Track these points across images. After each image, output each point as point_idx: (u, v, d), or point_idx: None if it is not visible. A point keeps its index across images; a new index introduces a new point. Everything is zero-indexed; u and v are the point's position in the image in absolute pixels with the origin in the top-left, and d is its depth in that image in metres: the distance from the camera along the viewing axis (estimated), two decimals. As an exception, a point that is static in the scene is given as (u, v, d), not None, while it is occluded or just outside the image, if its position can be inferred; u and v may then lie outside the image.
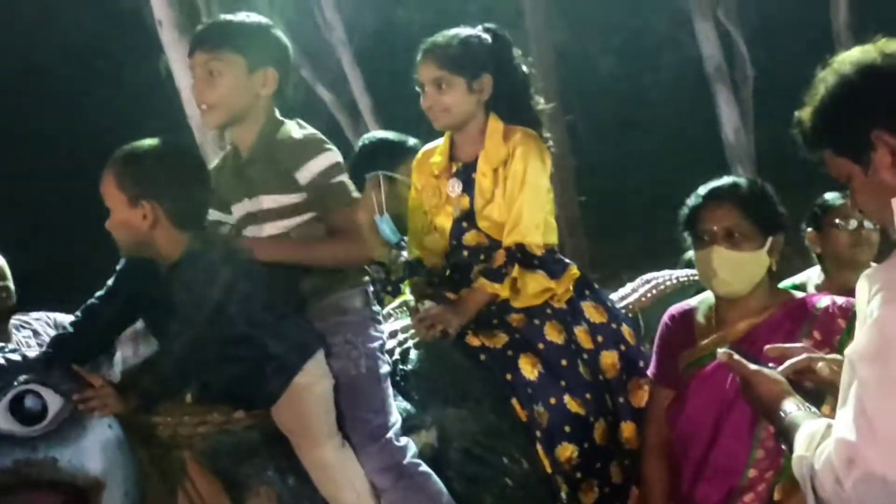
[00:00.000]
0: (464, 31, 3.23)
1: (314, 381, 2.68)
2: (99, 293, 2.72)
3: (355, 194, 2.84)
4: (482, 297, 3.09)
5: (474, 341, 3.05)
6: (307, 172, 2.75)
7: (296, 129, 2.84)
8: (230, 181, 2.86)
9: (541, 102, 3.28)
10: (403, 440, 2.74)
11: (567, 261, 3.20)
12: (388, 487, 2.66)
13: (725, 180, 2.92)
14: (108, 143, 2.79)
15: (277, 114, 2.86)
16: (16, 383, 2.27)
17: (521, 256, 3.10)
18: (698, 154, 12.36)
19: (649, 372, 3.00)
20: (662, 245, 3.87)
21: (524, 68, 3.27)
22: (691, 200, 2.93)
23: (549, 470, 2.92)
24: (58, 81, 12.05)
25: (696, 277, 3.86)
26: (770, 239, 2.83)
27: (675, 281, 3.77)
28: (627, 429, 3.08)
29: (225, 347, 2.60)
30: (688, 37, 12.01)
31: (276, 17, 10.53)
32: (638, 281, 3.72)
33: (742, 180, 2.94)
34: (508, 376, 2.98)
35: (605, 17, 12.27)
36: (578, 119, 10.26)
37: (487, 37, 3.22)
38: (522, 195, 3.11)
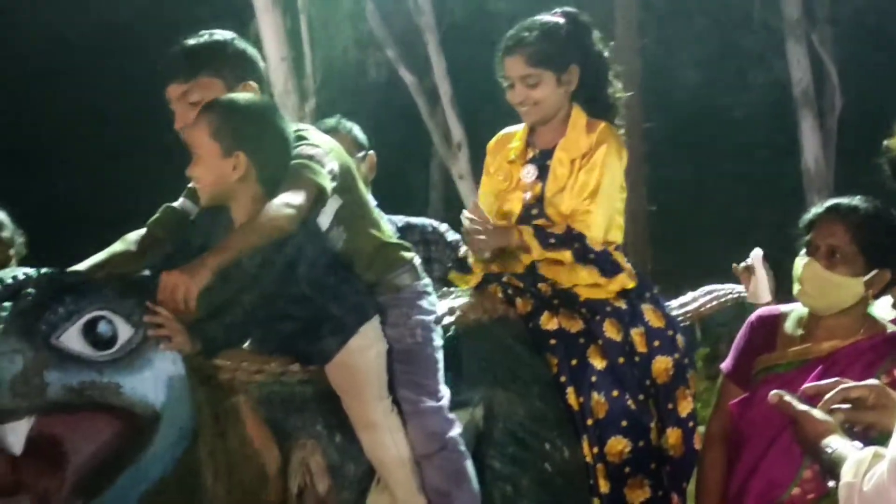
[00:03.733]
0: (544, 20, 3.22)
1: (369, 343, 2.74)
2: (175, 242, 2.80)
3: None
4: (514, 238, 3.11)
5: (550, 324, 3.09)
6: None
7: None
8: None
9: (619, 88, 3.29)
10: (452, 415, 2.79)
11: (622, 266, 3.18)
12: (430, 454, 2.70)
13: (852, 199, 2.87)
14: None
15: None
16: (91, 307, 2.35)
17: (579, 246, 3.11)
18: (774, 178, 12.25)
19: (723, 366, 3.00)
20: (723, 264, 3.87)
21: (605, 53, 3.27)
22: (817, 208, 2.91)
23: (589, 460, 2.97)
24: (136, 41, 12.22)
25: (758, 294, 3.85)
26: (875, 271, 2.80)
27: (736, 295, 3.78)
28: (673, 435, 3.11)
29: (287, 305, 2.66)
30: (779, 58, 11.88)
31: (369, -4, 10.62)
32: (700, 291, 3.73)
33: (868, 205, 2.85)
34: (574, 361, 3.03)
35: (695, 30, 12.16)
36: (657, 128, 10.19)
37: (569, 25, 3.21)
38: (597, 193, 3.12)
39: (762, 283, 3.58)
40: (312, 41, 11.00)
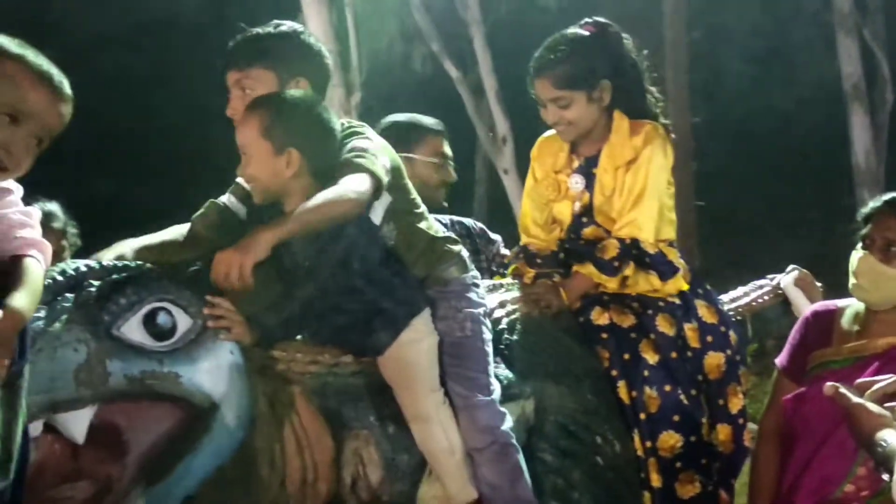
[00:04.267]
0: (570, 36, 3.18)
1: (420, 337, 2.76)
2: (221, 237, 2.82)
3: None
4: (587, 283, 3.14)
5: (601, 319, 3.10)
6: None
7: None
8: None
9: (658, 97, 3.27)
10: (503, 408, 2.81)
11: (677, 265, 3.19)
12: (481, 448, 2.72)
13: None
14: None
15: None
16: (151, 299, 2.39)
17: (636, 253, 3.12)
18: (823, 173, 12.12)
19: (777, 361, 3.00)
20: (772, 258, 3.85)
21: (639, 61, 3.24)
22: (875, 201, 2.91)
23: (640, 454, 2.97)
24: (183, 35, 12.31)
25: (810, 289, 3.83)
26: None
27: (787, 290, 3.75)
28: (723, 432, 3.11)
29: (341, 298, 2.68)
30: (828, 51, 11.75)
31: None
32: (751, 285, 3.72)
33: None
34: (626, 356, 3.04)
35: (743, 23, 12.07)
36: (705, 123, 10.12)
37: (597, 38, 3.18)
38: (644, 193, 3.12)
39: (796, 304, 3.57)
40: (358, 35, 11.05)
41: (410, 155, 3.69)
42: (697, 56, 10.82)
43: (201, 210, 2.93)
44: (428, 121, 3.73)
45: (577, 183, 3.23)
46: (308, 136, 2.67)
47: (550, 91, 3.14)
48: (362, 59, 11.08)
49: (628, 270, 3.11)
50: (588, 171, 3.22)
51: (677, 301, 3.15)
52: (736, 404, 3.13)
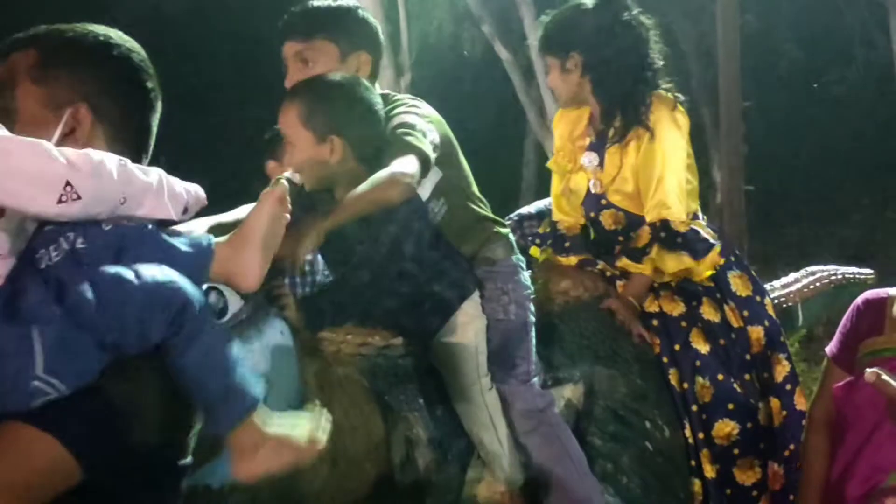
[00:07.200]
0: (568, 6, 3.21)
1: (468, 320, 2.74)
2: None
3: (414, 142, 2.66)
4: (644, 281, 3.10)
5: (652, 306, 3.09)
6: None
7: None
8: None
9: (657, 61, 3.16)
10: (545, 391, 2.81)
11: (712, 241, 3.14)
12: (529, 430, 2.73)
13: None
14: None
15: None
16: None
17: (665, 235, 3.08)
18: (876, 158, 11.96)
19: (827, 350, 2.97)
20: (820, 244, 3.82)
21: (635, 36, 3.15)
22: None
23: (690, 441, 2.96)
24: (233, 16, 12.39)
25: (862, 276, 3.81)
26: None
27: (839, 276, 3.73)
28: (774, 403, 3.09)
29: (391, 281, 2.67)
30: (882, 36, 11.58)
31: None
32: (802, 272, 3.70)
33: None
34: (677, 346, 3.02)
35: (797, 6, 11.91)
36: (756, 107, 10.03)
37: (581, 10, 3.17)
38: (664, 171, 3.07)
39: None
40: (409, 16, 11.05)
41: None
42: (749, 39, 10.70)
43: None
44: None
45: (590, 161, 3.20)
46: (350, 122, 2.63)
47: (541, 53, 3.20)
48: (412, 41, 11.08)
49: (653, 254, 3.07)
50: (601, 147, 3.18)
51: (712, 284, 3.12)
52: (780, 372, 3.11)
